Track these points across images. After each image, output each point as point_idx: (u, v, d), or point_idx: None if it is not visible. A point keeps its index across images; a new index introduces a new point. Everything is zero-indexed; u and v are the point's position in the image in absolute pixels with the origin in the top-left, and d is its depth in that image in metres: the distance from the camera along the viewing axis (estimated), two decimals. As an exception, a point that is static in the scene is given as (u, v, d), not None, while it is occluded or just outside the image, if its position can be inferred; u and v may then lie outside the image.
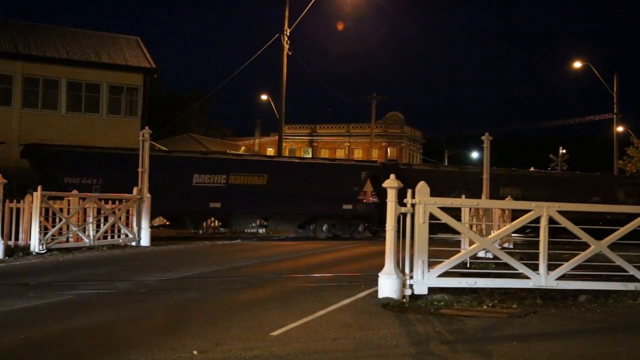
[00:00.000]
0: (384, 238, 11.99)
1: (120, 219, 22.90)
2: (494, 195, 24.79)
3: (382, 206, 32.56)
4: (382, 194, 32.96)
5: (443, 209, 12.42)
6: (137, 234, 23.42)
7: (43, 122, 32.93)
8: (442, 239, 18.38)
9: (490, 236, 14.47)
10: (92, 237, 21.58)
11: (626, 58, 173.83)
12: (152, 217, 25.56)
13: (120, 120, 35.07)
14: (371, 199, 35.95)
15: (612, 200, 35.39)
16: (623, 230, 12.82)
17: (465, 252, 13.57)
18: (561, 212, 12.55)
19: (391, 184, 12.14)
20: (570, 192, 27.25)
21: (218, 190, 27.94)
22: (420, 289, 12.12)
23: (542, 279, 12.38)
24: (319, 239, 29.63)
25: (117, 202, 23.01)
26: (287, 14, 39.75)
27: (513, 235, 21.87)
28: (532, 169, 45.03)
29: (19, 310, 10.66)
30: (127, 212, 23.35)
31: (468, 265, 16.16)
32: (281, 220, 31.38)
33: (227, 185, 28.33)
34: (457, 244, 19.39)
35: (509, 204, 17.33)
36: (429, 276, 12.17)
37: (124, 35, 38.40)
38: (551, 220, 12.44)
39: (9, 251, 18.93)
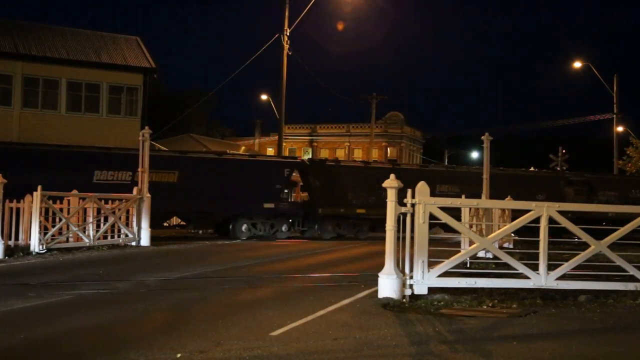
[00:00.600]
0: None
1: (120, 219, 22.90)
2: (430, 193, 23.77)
3: (309, 205, 31.61)
4: (312, 192, 32.06)
5: (443, 208, 12.41)
6: (137, 233, 23.42)
7: (43, 122, 32.92)
8: (440, 239, 18.36)
9: (490, 236, 14.45)
10: (92, 237, 21.58)
11: (626, 58, 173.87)
12: None
13: (120, 120, 35.06)
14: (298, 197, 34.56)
15: (560, 198, 33.52)
16: (623, 230, 12.82)
17: (465, 252, 13.56)
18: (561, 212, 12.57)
19: (391, 183, 12.11)
20: (513, 190, 26.09)
21: (122, 187, 25.33)
22: (420, 289, 12.12)
23: (542, 279, 12.37)
24: (238, 239, 28.34)
25: (117, 202, 23.02)
26: (287, 14, 39.78)
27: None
28: (532, 168, 44.82)
29: (19, 310, 10.66)
30: (127, 212, 23.37)
31: (468, 265, 16.16)
32: (197, 220, 29.90)
33: (132, 182, 25.77)
34: (456, 244, 19.39)
35: (509, 204, 17.33)
36: (429, 276, 12.16)
37: (124, 35, 38.37)
38: (551, 220, 12.44)
39: (9, 251, 18.94)
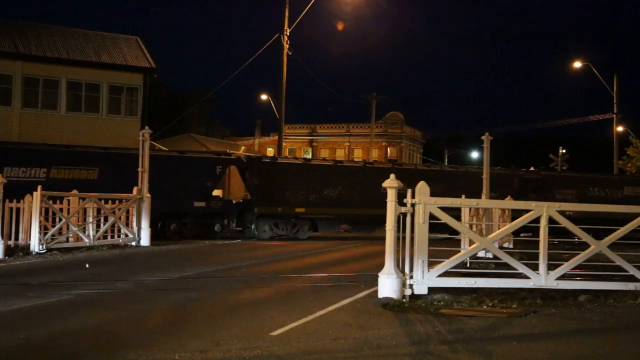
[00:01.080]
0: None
1: (120, 218, 22.91)
2: (376, 191, 22.16)
3: (246, 203, 30.04)
4: (249, 190, 30.57)
5: (443, 208, 12.41)
6: (137, 233, 23.43)
7: (43, 122, 32.93)
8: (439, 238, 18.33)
9: (490, 236, 14.46)
10: (92, 237, 21.59)
11: (626, 58, 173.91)
12: None
13: (120, 120, 35.08)
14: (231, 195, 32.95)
15: (514, 197, 32.54)
16: (623, 230, 12.82)
17: (465, 252, 13.57)
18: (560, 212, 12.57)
19: (391, 183, 12.10)
20: (464, 188, 25.52)
21: (36, 185, 22.30)
22: (420, 289, 12.12)
23: (542, 278, 12.38)
24: (169, 240, 26.65)
25: (117, 201, 23.02)
26: (287, 13, 39.75)
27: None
28: (532, 168, 44.78)
29: (19, 310, 10.66)
30: (127, 212, 23.38)
31: (468, 265, 16.17)
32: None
33: (47, 179, 24.48)
34: (455, 243, 19.38)
35: (509, 204, 17.34)
36: (429, 276, 12.17)
37: (124, 35, 38.39)
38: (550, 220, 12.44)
39: (9, 251, 18.95)
